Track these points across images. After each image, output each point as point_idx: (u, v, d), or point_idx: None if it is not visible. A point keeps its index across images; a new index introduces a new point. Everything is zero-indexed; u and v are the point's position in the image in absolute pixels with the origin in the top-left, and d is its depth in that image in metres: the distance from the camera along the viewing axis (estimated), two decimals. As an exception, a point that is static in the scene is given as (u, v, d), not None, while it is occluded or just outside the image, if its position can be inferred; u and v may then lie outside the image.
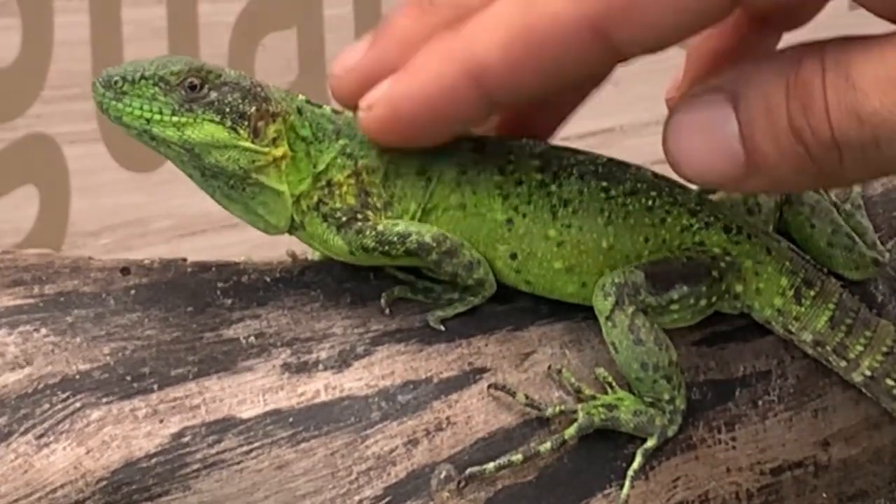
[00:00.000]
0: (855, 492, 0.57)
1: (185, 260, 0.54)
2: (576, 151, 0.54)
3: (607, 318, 0.51)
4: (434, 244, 0.51)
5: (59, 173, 1.05)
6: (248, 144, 0.51)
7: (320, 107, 0.53)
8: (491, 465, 0.49)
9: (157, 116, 0.50)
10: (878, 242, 0.59)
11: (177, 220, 1.07)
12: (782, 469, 0.55)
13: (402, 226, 0.51)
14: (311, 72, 1.17)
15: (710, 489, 0.53)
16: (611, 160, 0.54)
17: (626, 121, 1.25)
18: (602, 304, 0.51)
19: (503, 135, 0.55)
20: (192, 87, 0.50)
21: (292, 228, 0.53)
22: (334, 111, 0.53)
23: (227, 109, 0.50)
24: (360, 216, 0.52)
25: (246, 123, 0.50)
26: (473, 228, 0.53)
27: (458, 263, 0.52)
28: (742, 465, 0.54)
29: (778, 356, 0.55)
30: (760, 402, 0.55)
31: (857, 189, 0.62)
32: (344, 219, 0.52)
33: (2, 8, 1.01)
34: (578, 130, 1.22)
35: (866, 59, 0.41)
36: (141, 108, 0.50)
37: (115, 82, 0.50)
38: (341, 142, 0.53)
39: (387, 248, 0.51)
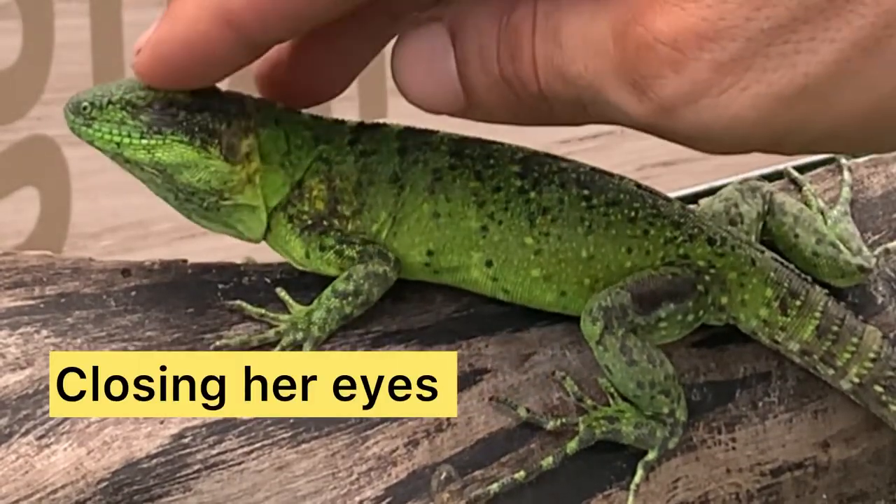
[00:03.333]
0: (855, 493, 0.57)
1: (185, 261, 0.54)
2: (559, 159, 0.54)
3: (597, 343, 0.51)
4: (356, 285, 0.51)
5: (59, 175, 1.05)
6: (219, 164, 0.50)
7: (298, 113, 0.53)
8: (495, 486, 0.49)
9: (127, 140, 0.50)
10: (864, 248, 0.59)
11: (178, 222, 1.06)
12: (782, 470, 0.55)
13: (359, 248, 0.51)
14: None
15: (710, 490, 0.53)
16: (594, 169, 0.54)
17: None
18: (590, 330, 0.51)
19: (485, 139, 0.54)
20: (160, 109, 0.50)
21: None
22: (312, 117, 0.53)
23: (197, 129, 0.50)
24: (325, 222, 0.52)
25: (216, 141, 0.50)
26: (447, 236, 0.52)
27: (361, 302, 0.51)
28: (742, 466, 0.54)
29: (778, 357, 0.55)
30: (760, 404, 0.55)
31: (844, 195, 0.62)
32: (310, 222, 0.52)
33: (2, 10, 1.01)
34: (579, 133, 1.22)
35: (576, 20, 0.40)
36: (111, 133, 0.50)
37: (84, 108, 0.50)
38: (320, 147, 0.53)
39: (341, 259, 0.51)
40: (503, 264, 0.52)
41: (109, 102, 0.50)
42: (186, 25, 0.45)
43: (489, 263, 0.52)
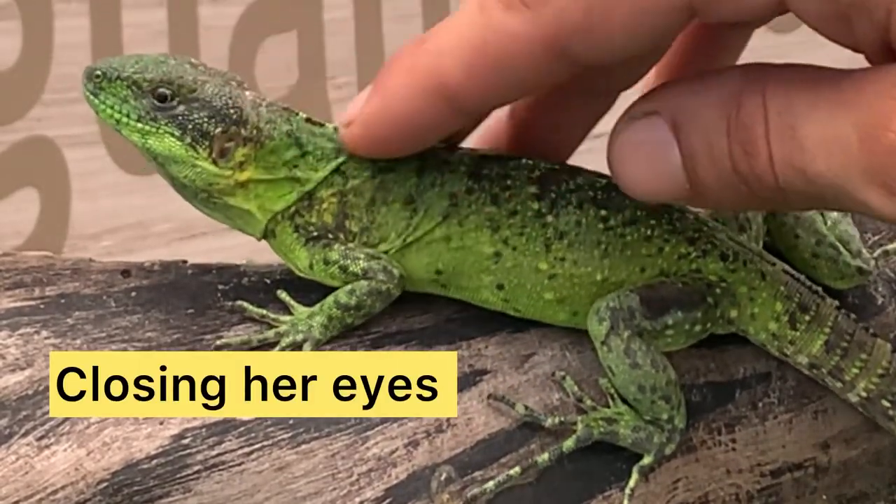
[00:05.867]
0: (855, 494, 0.57)
1: (185, 262, 0.54)
2: (576, 173, 0.53)
3: (602, 343, 0.51)
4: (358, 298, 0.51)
5: (59, 176, 1.05)
6: (205, 165, 0.50)
7: (322, 125, 0.52)
8: (491, 484, 0.49)
9: (125, 120, 0.50)
10: (864, 250, 0.59)
11: (177, 223, 1.07)
12: (782, 471, 0.55)
13: (363, 263, 0.51)
14: (311, 75, 1.17)
15: (710, 491, 0.53)
16: (610, 183, 0.52)
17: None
18: (597, 329, 0.51)
19: (505, 153, 0.54)
20: (161, 98, 0.50)
21: (264, 235, 0.53)
22: (336, 129, 0.52)
23: (190, 126, 0.50)
24: (331, 236, 0.52)
25: (207, 143, 0.50)
26: (457, 260, 0.52)
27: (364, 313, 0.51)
28: (742, 466, 0.54)
29: (778, 358, 0.55)
30: (760, 404, 0.55)
31: None
32: (315, 234, 0.52)
33: (2, 11, 1.01)
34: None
35: (815, 119, 0.41)
36: (112, 108, 0.50)
37: (96, 76, 0.50)
38: (340, 159, 0.52)
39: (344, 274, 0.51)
40: (515, 288, 0.52)
41: (118, 77, 0.50)
42: (400, 102, 0.46)
43: (500, 287, 0.52)
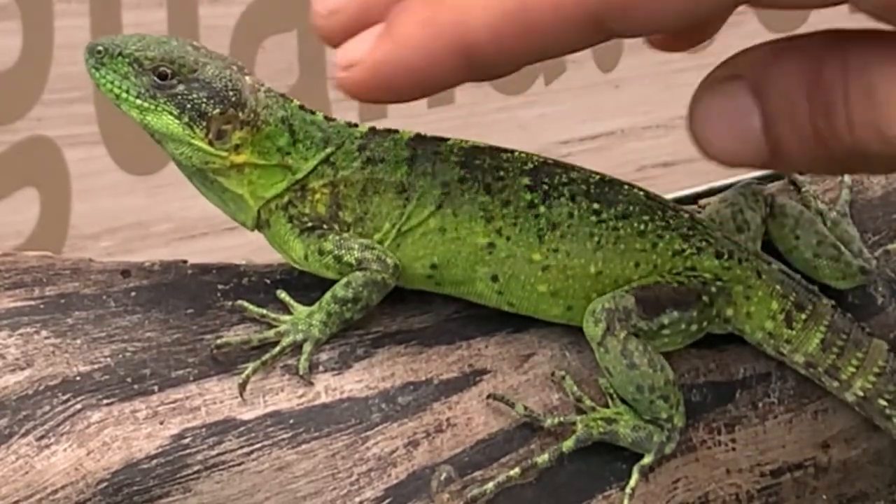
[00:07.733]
0: (855, 493, 0.57)
1: (185, 262, 0.54)
2: (569, 168, 0.53)
3: (599, 344, 0.51)
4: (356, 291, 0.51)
5: (59, 176, 1.05)
6: (201, 144, 0.51)
7: (313, 113, 0.53)
8: (491, 485, 0.49)
9: (124, 95, 0.51)
10: (865, 250, 0.59)
11: (177, 223, 1.07)
12: (782, 471, 0.55)
13: (357, 253, 0.51)
14: (311, 74, 1.17)
15: (710, 491, 0.53)
16: (604, 179, 0.53)
17: (626, 124, 1.24)
18: (593, 330, 0.51)
19: (496, 147, 0.54)
20: (162, 77, 0.50)
21: (258, 226, 0.53)
22: (326, 118, 0.53)
23: (188, 106, 0.50)
24: (325, 226, 0.52)
25: (204, 123, 0.51)
26: (452, 251, 0.52)
27: (360, 307, 0.51)
28: (742, 466, 0.54)
29: (776, 358, 0.55)
30: (760, 404, 0.55)
31: (844, 196, 0.62)
32: (309, 224, 0.52)
33: (2, 11, 1.01)
34: (579, 134, 1.22)
35: (891, 78, 0.41)
36: (112, 83, 0.51)
37: (98, 51, 0.51)
38: (328, 150, 0.53)
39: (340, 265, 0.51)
40: (509, 279, 0.52)
41: (120, 54, 0.50)
42: (414, 52, 0.46)
43: (495, 278, 0.52)
